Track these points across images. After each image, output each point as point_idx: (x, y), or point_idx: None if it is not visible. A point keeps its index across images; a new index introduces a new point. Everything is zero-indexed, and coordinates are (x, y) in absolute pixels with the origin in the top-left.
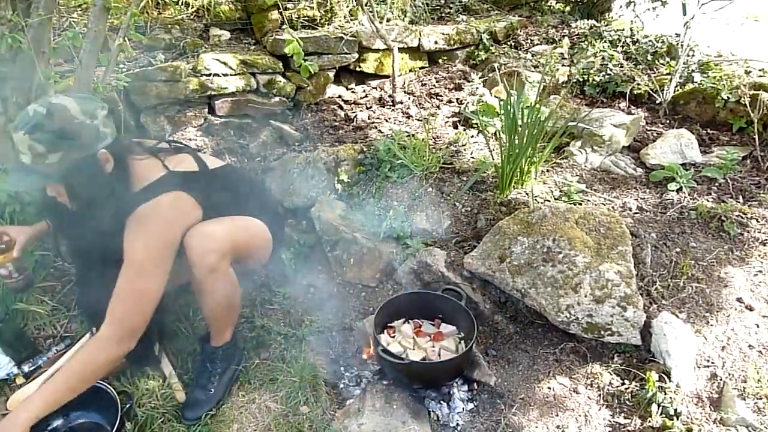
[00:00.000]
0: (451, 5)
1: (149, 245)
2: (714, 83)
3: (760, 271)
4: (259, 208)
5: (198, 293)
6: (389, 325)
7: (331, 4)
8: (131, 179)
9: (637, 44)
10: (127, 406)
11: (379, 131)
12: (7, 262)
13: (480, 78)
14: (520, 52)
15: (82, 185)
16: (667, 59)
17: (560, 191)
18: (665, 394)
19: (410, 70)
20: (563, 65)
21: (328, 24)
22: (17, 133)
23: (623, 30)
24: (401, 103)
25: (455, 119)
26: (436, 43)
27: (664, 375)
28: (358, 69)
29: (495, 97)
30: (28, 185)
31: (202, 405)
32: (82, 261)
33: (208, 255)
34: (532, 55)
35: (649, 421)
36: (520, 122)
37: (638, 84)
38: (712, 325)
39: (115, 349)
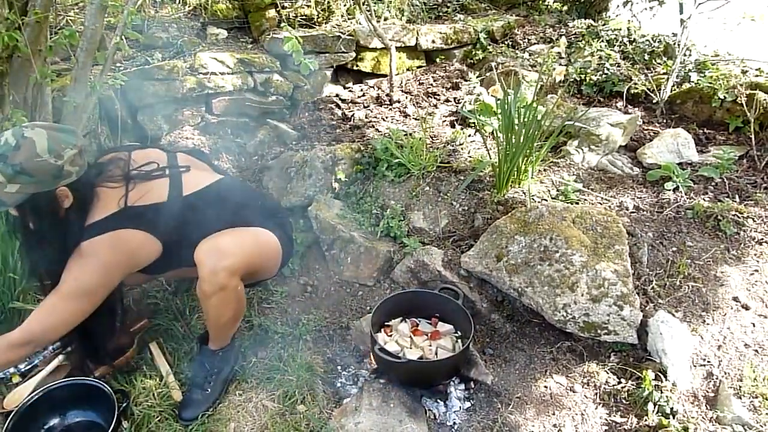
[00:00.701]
0: (448, 4)
1: (78, 279)
2: (711, 83)
3: (756, 270)
4: (262, 216)
5: (204, 306)
6: (386, 324)
7: (328, 3)
8: (89, 213)
9: (634, 44)
10: (124, 404)
11: (377, 130)
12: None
13: (477, 77)
14: (517, 51)
15: (33, 218)
16: (664, 59)
17: (557, 190)
18: (661, 392)
19: (407, 69)
20: (560, 64)
21: (325, 23)
22: None
23: (620, 29)
24: (398, 102)
25: (452, 118)
26: (433, 42)
27: (660, 374)
28: (355, 68)
29: (492, 96)
30: None
31: (199, 405)
32: (35, 267)
33: (219, 272)
34: (530, 55)
35: (646, 420)
36: (517, 121)
37: (635, 83)
38: (708, 324)
39: (16, 353)
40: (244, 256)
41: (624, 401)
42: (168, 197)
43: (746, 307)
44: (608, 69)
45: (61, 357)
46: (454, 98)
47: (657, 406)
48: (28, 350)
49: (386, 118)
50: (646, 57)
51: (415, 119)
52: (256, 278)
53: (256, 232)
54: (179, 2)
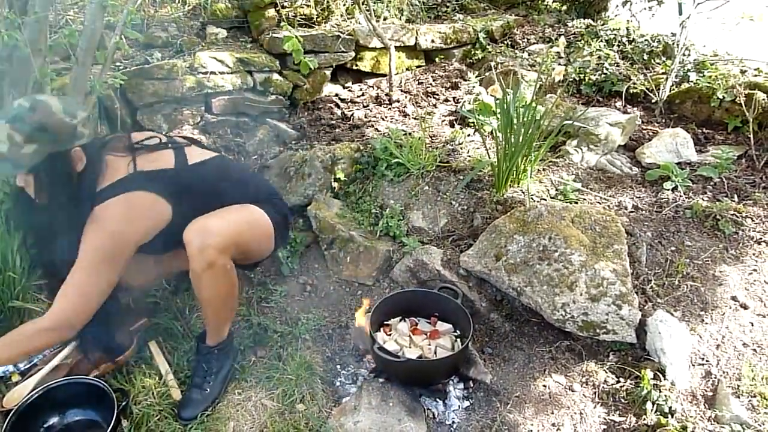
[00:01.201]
0: (447, 4)
1: (97, 247)
2: (709, 83)
3: (755, 270)
4: (257, 195)
5: (196, 288)
6: (386, 323)
7: (327, 2)
8: (99, 178)
9: (633, 43)
10: (124, 403)
11: (376, 130)
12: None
13: (476, 77)
14: (516, 51)
15: (49, 179)
16: (663, 58)
17: (556, 190)
18: (660, 392)
19: (407, 69)
20: (559, 64)
21: (324, 22)
22: None
23: (619, 29)
24: (398, 101)
25: (452, 118)
26: (432, 41)
27: (658, 373)
28: (354, 67)
29: (491, 95)
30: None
31: (198, 404)
32: (45, 252)
33: (206, 250)
34: (529, 54)
35: (644, 419)
36: (516, 121)
37: (634, 83)
38: (706, 324)
39: (52, 337)
40: (232, 233)
41: (623, 400)
42: (174, 165)
43: (745, 307)
44: (607, 69)
45: (64, 352)
46: (454, 98)
47: (656, 405)
48: (62, 334)
49: (385, 117)
50: (645, 57)
51: (415, 119)
52: (249, 258)
53: (248, 210)
54: (179, 2)
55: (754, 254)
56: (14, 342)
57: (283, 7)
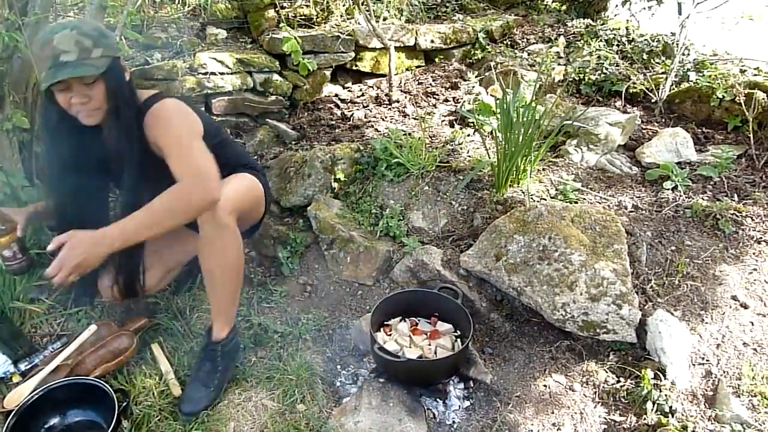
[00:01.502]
0: (447, 4)
1: (182, 129)
2: (709, 82)
3: (755, 269)
4: (247, 160)
5: (206, 258)
6: (386, 323)
7: (327, 3)
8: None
9: (632, 43)
10: (124, 404)
11: (376, 130)
12: (11, 242)
13: (476, 77)
14: (516, 51)
15: (115, 84)
16: (663, 58)
17: (556, 190)
18: (660, 391)
19: (407, 69)
20: (559, 64)
21: (324, 23)
22: (59, 34)
23: (619, 29)
24: (398, 101)
25: (452, 118)
26: (432, 42)
27: (659, 373)
28: (354, 68)
29: (491, 95)
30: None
31: (200, 401)
32: (86, 179)
33: (217, 212)
34: (528, 54)
35: (645, 419)
36: (516, 121)
37: (634, 83)
38: (707, 323)
39: (204, 189)
40: (239, 196)
41: (623, 400)
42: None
43: (745, 306)
44: (607, 68)
45: (65, 353)
46: (453, 98)
47: (656, 405)
48: (212, 187)
49: (385, 117)
50: (645, 56)
51: (414, 119)
52: (244, 224)
53: (245, 176)
54: (178, 2)
55: (754, 254)
56: (165, 202)
57: (282, 7)
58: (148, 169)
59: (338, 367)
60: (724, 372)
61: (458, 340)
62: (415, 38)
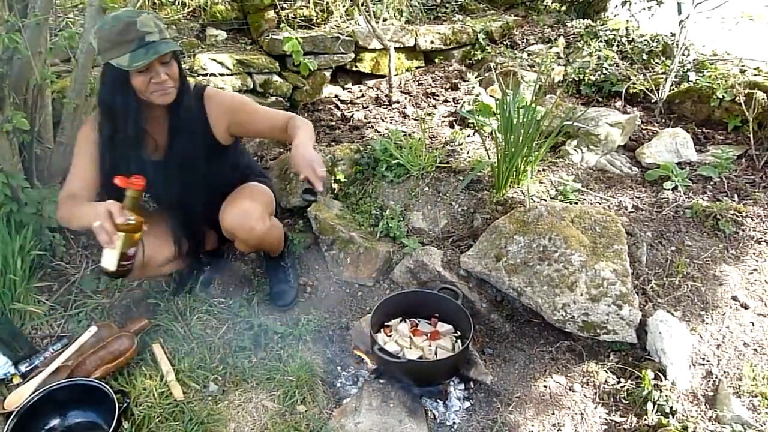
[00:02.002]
0: (447, 5)
1: (238, 96)
2: (709, 82)
3: (755, 270)
4: (259, 170)
5: (269, 240)
6: (386, 324)
7: (327, 3)
8: None
9: (632, 43)
10: (124, 405)
11: (376, 131)
12: (140, 240)
13: (476, 77)
14: (516, 51)
15: (181, 64)
16: (663, 58)
17: (556, 190)
18: (661, 392)
19: (407, 70)
20: (559, 65)
21: (324, 24)
22: (140, 17)
23: (619, 29)
24: (398, 102)
25: (451, 119)
26: (432, 42)
27: (659, 373)
28: (354, 69)
29: (491, 96)
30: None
31: (289, 293)
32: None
33: (253, 231)
34: (528, 55)
35: (645, 419)
36: (516, 122)
37: (634, 83)
38: (707, 324)
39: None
40: (264, 206)
41: (623, 401)
42: None
43: (745, 306)
44: (607, 69)
45: (65, 354)
46: (453, 99)
47: (656, 406)
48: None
49: (385, 118)
50: (645, 57)
51: (414, 120)
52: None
53: (262, 187)
54: (178, 4)
55: (754, 254)
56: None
57: (282, 8)
58: (202, 147)
59: (338, 368)
60: (724, 372)
61: (458, 340)
62: (415, 39)
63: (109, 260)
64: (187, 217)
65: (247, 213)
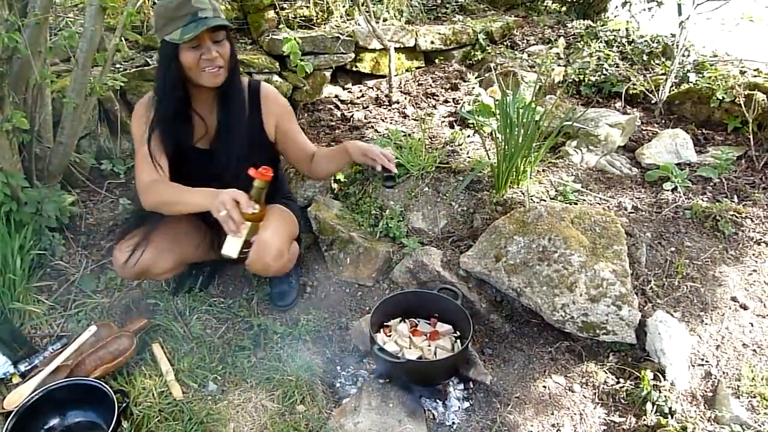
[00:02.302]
0: (447, 5)
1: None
2: (709, 83)
3: (755, 270)
4: (284, 187)
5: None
6: (385, 324)
7: (327, 4)
8: None
9: (632, 44)
10: (124, 404)
11: (376, 131)
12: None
13: (476, 78)
14: (516, 52)
15: (233, 47)
16: (663, 59)
17: (556, 191)
18: (660, 392)
19: (407, 70)
20: (559, 65)
21: (324, 24)
22: None
23: (619, 30)
24: (398, 102)
25: (451, 119)
26: (432, 43)
27: (658, 373)
28: (354, 69)
29: (491, 96)
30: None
31: (290, 293)
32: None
33: (269, 267)
34: (528, 55)
35: (644, 420)
36: (515, 122)
37: (634, 84)
38: (706, 324)
39: None
40: (287, 237)
41: (623, 401)
42: None
43: (744, 307)
44: (607, 70)
45: (65, 354)
46: (453, 99)
47: (655, 406)
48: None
49: (385, 118)
50: (645, 57)
51: (414, 120)
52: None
53: (286, 213)
54: None
55: (753, 255)
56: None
57: (282, 8)
58: (250, 141)
59: (338, 368)
60: (723, 373)
61: (458, 341)
62: (415, 39)
63: (233, 248)
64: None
65: (266, 248)
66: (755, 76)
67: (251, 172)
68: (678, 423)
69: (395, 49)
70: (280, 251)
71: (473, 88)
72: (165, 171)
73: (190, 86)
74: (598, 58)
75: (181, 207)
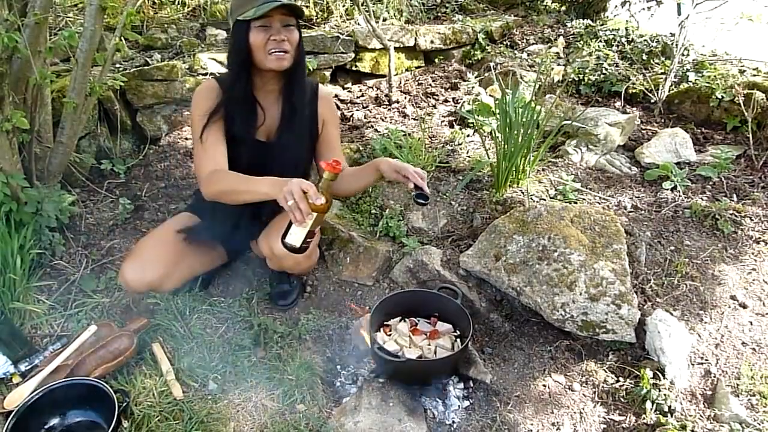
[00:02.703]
0: (447, 5)
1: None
2: (708, 82)
3: (754, 269)
4: None
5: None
6: (385, 323)
7: (327, 3)
8: None
9: (632, 44)
10: (124, 404)
11: (376, 130)
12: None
13: (476, 77)
14: (515, 51)
15: (301, 40)
16: (662, 58)
17: (555, 190)
18: (659, 391)
19: (406, 70)
20: (558, 64)
21: (324, 23)
22: None
23: (618, 29)
24: (397, 102)
25: (451, 118)
26: (432, 42)
27: (658, 372)
28: (354, 68)
29: (490, 96)
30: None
31: (291, 293)
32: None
33: (300, 264)
34: (528, 55)
35: (644, 418)
36: (515, 121)
37: (633, 83)
38: (706, 323)
39: None
40: (315, 238)
41: (622, 399)
42: None
43: (744, 306)
44: (606, 69)
45: (65, 353)
46: (453, 98)
47: (655, 405)
48: None
49: (385, 118)
50: (644, 57)
51: (414, 119)
52: None
53: None
54: (178, 3)
55: (753, 253)
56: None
57: None
58: (306, 140)
59: (338, 367)
60: (723, 371)
61: (458, 340)
62: (415, 39)
63: (297, 237)
64: (258, 210)
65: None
66: (754, 76)
67: (322, 164)
68: (677, 421)
69: (395, 48)
70: (311, 251)
71: (473, 87)
72: (225, 160)
73: (255, 76)
74: (598, 58)
75: (246, 195)
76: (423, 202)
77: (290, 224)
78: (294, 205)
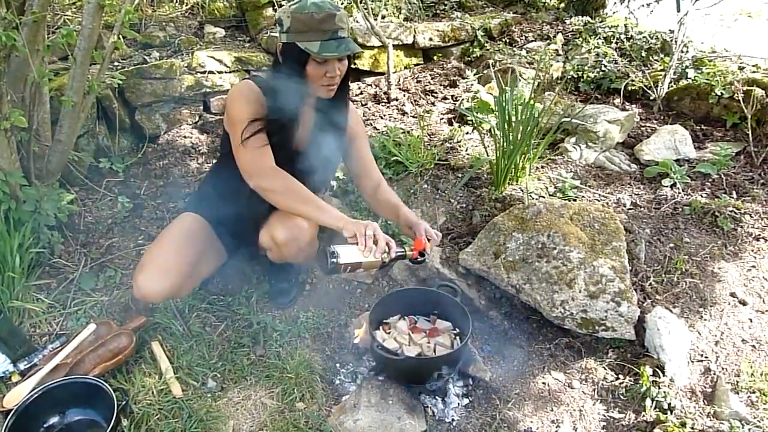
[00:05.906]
0: (445, 2)
1: None
2: (708, 79)
3: (754, 266)
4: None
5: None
6: (385, 321)
7: None
8: None
9: (631, 40)
10: (123, 402)
11: (375, 128)
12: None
13: (475, 75)
14: (514, 48)
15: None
16: (661, 55)
17: (555, 187)
18: (659, 388)
19: (405, 67)
20: (557, 62)
21: None
22: (340, 12)
23: (617, 26)
24: (396, 100)
25: (450, 116)
26: (431, 39)
27: (658, 369)
28: (353, 66)
29: (489, 93)
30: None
31: (289, 291)
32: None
33: (301, 251)
34: (527, 52)
35: (643, 416)
36: (514, 119)
37: (632, 80)
38: (705, 320)
39: None
40: (315, 227)
41: (622, 397)
42: None
43: (743, 303)
44: (605, 66)
45: (60, 355)
46: (452, 96)
47: (655, 402)
48: None
49: (384, 116)
50: (644, 54)
51: (413, 117)
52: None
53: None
54: (177, 1)
55: (752, 251)
56: None
57: (280, 5)
58: (336, 150)
59: (337, 365)
60: (722, 369)
61: (457, 337)
62: (414, 36)
63: (346, 257)
64: (260, 205)
65: (303, 229)
66: (754, 72)
67: (421, 243)
68: (677, 419)
69: (394, 46)
70: (312, 238)
71: (472, 84)
72: (273, 159)
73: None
74: (597, 55)
75: (315, 213)
76: (420, 261)
77: (344, 241)
78: (370, 237)
